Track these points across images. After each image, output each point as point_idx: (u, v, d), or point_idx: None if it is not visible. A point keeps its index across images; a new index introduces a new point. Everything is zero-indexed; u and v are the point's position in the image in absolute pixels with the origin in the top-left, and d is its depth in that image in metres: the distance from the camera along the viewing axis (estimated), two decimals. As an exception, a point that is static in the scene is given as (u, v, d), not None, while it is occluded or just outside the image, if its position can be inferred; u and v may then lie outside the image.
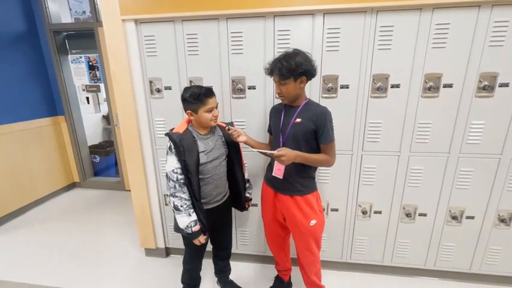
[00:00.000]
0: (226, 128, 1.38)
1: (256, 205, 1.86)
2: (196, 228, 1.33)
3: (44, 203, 3.05)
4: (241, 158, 1.50)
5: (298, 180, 1.34)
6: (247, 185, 1.59)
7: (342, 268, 1.91)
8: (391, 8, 1.40)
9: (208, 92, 1.28)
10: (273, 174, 1.37)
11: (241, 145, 1.49)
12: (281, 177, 1.34)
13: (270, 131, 1.52)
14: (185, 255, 1.55)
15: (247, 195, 1.59)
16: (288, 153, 1.19)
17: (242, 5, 1.48)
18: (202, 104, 1.26)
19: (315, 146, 1.31)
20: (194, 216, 1.33)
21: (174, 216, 1.39)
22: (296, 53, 1.22)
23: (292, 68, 1.19)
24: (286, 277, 1.74)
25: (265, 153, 1.37)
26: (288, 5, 1.45)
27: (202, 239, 1.38)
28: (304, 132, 1.28)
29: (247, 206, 1.62)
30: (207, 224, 1.39)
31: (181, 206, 1.30)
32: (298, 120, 1.29)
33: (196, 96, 1.25)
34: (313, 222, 1.36)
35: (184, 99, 1.29)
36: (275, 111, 1.44)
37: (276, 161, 1.31)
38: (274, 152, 1.20)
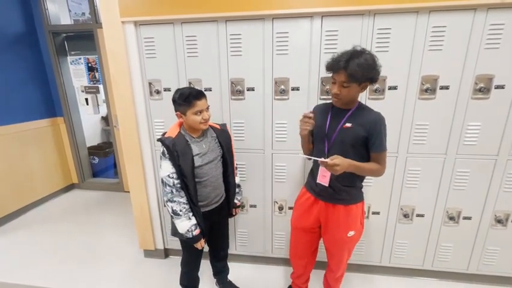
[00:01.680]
0: (309, 113, 1.23)
1: (255, 206, 1.87)
2: (197, 231, 1.33)
3: (43, 204, 3.05)
4: (234, 160, 1.48)
5: (344, 188, 1.25)
6: (237, 190, 1.56)
7: (340, 269, 1.92)
8: (388, 11, 1.42)
9: (197, 94, 1.24)
10: (318, 181, 1.28)
11: (234, 147, 1.49)
12: (326, 185, 1.26)
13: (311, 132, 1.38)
14: (182, 258, 1.55)
15: (236, 201, 1.56)
16: (342, 163, 1.08)
17: (241, 7, 1.49)
18: (190, 105, 1.23)
19: (364, 154, 1.21)
20: (194, 220, 1.33)
21: (172, 221, 1.37)
22: (366, 52, 1.10)
23: (364, 72, 1.06)
24: None
25: (316, 161, 1.21)
26: (286, 7, 1.46)
27: (202, 242, 1.38)
28: (354, 138, 1.17)
29: (234, 213, 1.60)
30: (205, 227, 1.38)
31: (180, 211, 1.29)
32: (348, 125, 1.18)
33: (184, 98, 1.22)
34: (351, 233, 1.28)
35: (173, 101, 1.28)
36: (321, 111, 1.30)
37: (321, 168, 1.24)
38: (328, 161, 1.08)
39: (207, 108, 1.29)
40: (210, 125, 1.40)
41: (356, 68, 1.05)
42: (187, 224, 1.30)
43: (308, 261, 1.54)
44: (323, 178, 1.25)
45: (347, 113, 1.20)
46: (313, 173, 1.35)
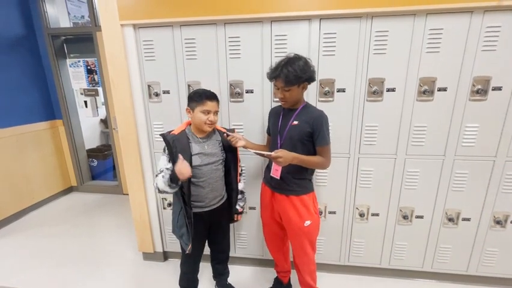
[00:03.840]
0: (225, 134, 1.40)
1: (254, 208, 1.87)
2: (169, 166, 1.29)
3: (42, 207, 3.03)
4: (238, 167, 1.50)
5: (295, 181, 1.37)
6: (240, 196, 1.56)
7: (340, 271, 1.92)
8: (386, 14, 1.43)
9: (211, 95, 1.32)
10: (271, 174, 1.41)
11: (239, 152, 1.50)
12: (278, 178, 1.37)
13: (268, 132, 1.54)
14: (182, 259, 1.55)
15: (237, 207, 1.55)
16: (285, 155, 1.22)
17: (240, 10, 1.50)
18: (201, 103, 1.29)
19: (311, 149, 1.33)
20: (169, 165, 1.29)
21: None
22: (298, 58, 1.25)
23: (298, 75, 1.21)
24: (285, 279, 1.75)
25: (262, 155, 1.40)
26: (285, 10, 1.47)
27: (187, 169, 1.22)
28: (301, 134, 1.31)
29: (235, 219, 1.58)
30: (204, 224, 1.39)
31: (160, 173, 1.29)
32: (295, 122, 1.33)
33: (198, 95, 1.31)
34: (307, 222, 1.38)
35: (188, 97, 1.35)
36: (274, 113, 1.47)
37: (273, 163, 1.35)
38: (272, 154, 1.22)
39: (216, 112, 1.34)
40: (217, 129, 1.45)
41: (289, 75, 1.21)
42: (160, 176, 1.27)
43: (284, 250, 1.66)
44: (276, 172, 1.38)
45: (295, 112, 1.34)
46: (269, 168, 1.46)
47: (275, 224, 1.53)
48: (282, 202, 1.42)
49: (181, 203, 1.35)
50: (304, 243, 1.43)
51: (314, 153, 1.34)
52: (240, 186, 1.55)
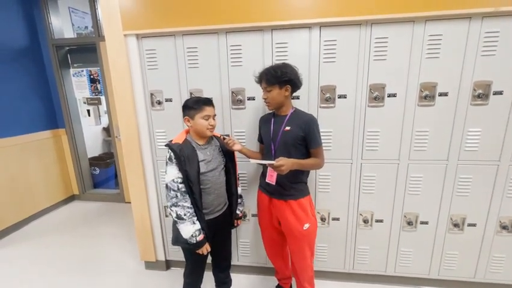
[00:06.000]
0: (222, 137, 1.42)
1: (256, 216, 1.85)
2: (201, 237, 1.32)
3: (44, 216, 3.03)
4: (236, 170, 1.51)
5: (291, 185, 1.40)
6: (239, 200, 1.57)
7: (345, 278, 1.89)
8: (385, 21, 1.45)
9: (207, 101, 1.34)
10: (267, 180, 1.43)
11: (237, 157, 1.51)
12: (274, 183, 1.40)
13: (260, 140, 1.58)
14: (186, 269, 1.52)
15: (238, 212, 1.56)
16: (287, 163, 1.24)
17: (240, 19, 1.53)
18: (200, 109, 1.31)
19: (304, 151, 1.38)
20: (198, 225, 1.32)
21: (173, 229, 1.37)
22: (284, 64, 1.34)
23: (277, 75, 1.29)
24: (287, 286, 1.74)
25: (263, 164, 1.40)
26: (285, 19, 1.49)
27: (208, 246, 1.37)
28: (294, 139, 1.34)
29: (236, 224, 1.59)
30: (209, 233, 1.38)
31: (185, 215, 1.30)
32: (287, 128, 1.36)
33: (195, 102, 1.32)
34: (306, 226, 1.39)
35: (184, 106, 1.36)
36: (264, 121, 1.51)
37: (268, 168, 1.38)
38: (274, 163, 1.23)
39: (214, 116, 1.36)
40: (214, 135, 1.45)
41: (268, 74, 1.31)
42: (191, 229, 1.30)
43: (283, 256, 1.66)
44: (271, 177, 1.41)
45: (285, 118, 1.38)
46: (264, 174, 1.48)
47: (273, 229, 1.54)
48: (280, 207, 1.43)
49: (193, 208, 1.33)
50: (303, 247, 1.44)
51: (307, 154, 1.38)
52: (239, 190, 1.56)
